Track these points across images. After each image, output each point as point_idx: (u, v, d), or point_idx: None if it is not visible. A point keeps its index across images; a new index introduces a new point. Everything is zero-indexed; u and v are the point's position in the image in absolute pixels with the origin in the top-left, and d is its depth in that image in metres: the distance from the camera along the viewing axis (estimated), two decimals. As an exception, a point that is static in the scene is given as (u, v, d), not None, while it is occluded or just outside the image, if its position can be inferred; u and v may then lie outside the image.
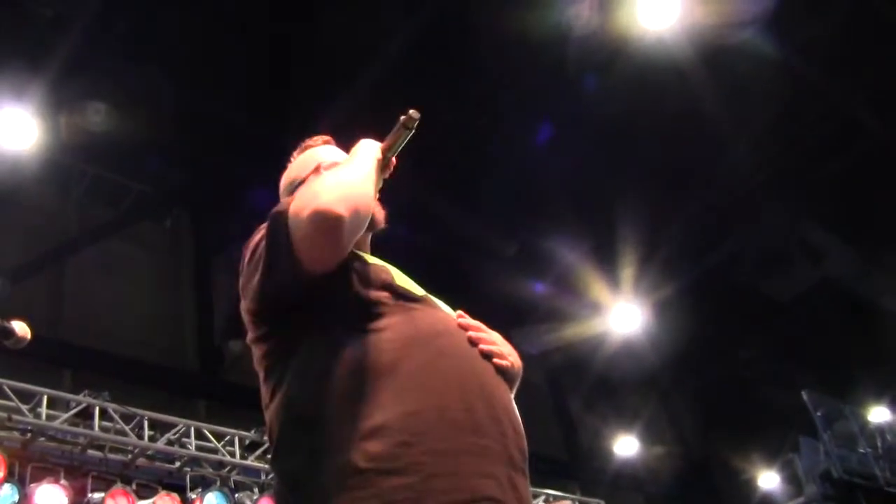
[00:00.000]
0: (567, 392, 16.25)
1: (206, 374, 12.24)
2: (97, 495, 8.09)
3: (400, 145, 2.42)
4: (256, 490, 9.05)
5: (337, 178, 2.20)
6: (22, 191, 11.00)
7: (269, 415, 2.16)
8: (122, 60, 10.42)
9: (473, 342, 2.15)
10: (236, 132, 11.84)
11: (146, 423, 8.69)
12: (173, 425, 8.96)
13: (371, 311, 2.12)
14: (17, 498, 7.26)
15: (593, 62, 11.48)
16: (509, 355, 2.21)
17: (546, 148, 12.46)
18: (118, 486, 8.18)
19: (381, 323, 2.10)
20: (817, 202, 13.74)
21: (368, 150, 2.36)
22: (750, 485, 16.68)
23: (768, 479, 16.44)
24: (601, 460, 15.76)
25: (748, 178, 13.46)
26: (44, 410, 8.11)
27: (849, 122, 13.00)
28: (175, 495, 8.46)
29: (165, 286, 12.87)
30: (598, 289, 13.77)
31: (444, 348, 2.09)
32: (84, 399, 8.46)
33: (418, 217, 12.91)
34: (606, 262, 13.53)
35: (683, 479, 16.47)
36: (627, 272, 13.51)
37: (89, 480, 8.21)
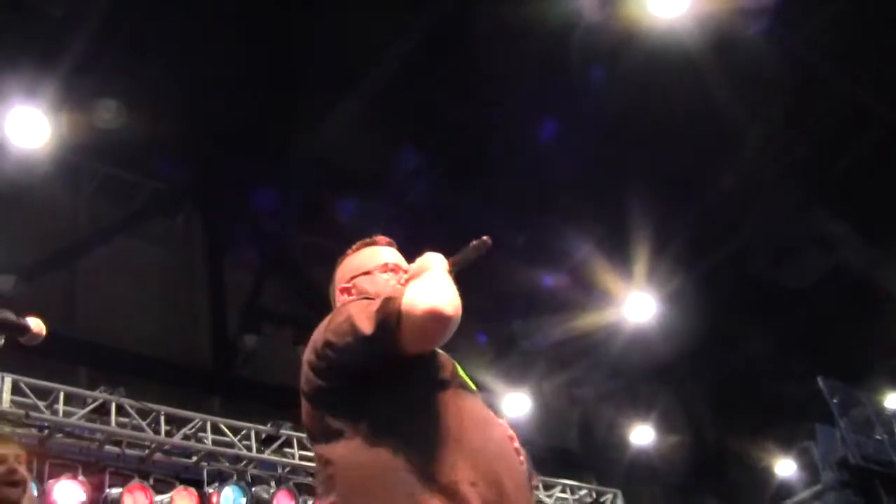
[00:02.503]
0: (581, 383, 16.25)
1: (221, 369, 12.27)
2: (115, 491, 8.13)
3: (465, 265, 2.76)
4: (273, 483, 9.08)
5: (440, 285, 2.53)
6: (34, 189, 11.04)
7: (328, 468, 2.53)
8: (132, 59, 10.43)
9: (510, 437, 2.61)
10: (246, 130, 11.86)
11: (162, 419, 8.73)
12: (189, 420, 8.99)
13: (436, 391, 2.54)
14: (35, 494, 7.30)
15: (602, 53, 11.46)
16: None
17: (556, 139, 12.43)
18: (136, 482, 8.23)
19: (443, 402, 2.52)
20: (829, 191, 13.68)
21: (441, 265, 2.69)
22: (766, 473, 16.65)
23: (785, 467, 16.40)
24: (616, 450, 15.76)
25: (760, 167, 13.42)
26: (61, 407, 8.16)
27: (861, 111, 12.94)
28: (192, 490, 8.50)
29: (178, 283, 12.90)
30: (611, 279, 13.76)
31: (492, 436, 2.54)
32: (100, 395, 8.50)
33: (429, 211, 12.95)
34: (619, 252, 13.51)
35: (699, 468, 16.46)
36: (641, 262, 13.48)
37: (107, 476, 8.26)
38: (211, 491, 8.68)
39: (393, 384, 2.50)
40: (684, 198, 13.39)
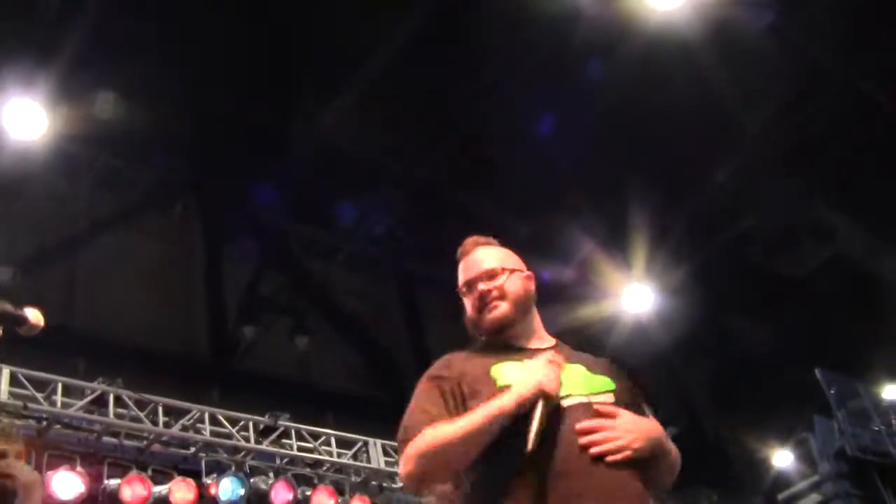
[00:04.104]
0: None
1: (219, 360, 12.27)
2: (113, 482, 8.13)
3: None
4: (272, 474, 9.09)
5: (455, 436, 2.65)
6: (32, 181, 11.03)
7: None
8: (130, 50, 10.41)
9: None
10: (244, 122, 11.84)
11: (160, 410, 8.73)
12: (187, 411, 9.00)
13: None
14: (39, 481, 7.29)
15: (601, 44, 11.43)
16: (618, 437, 2.64)
17: (555, 132, 12.42)
18: (134, 473, 8.23)
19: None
20: (828, 180, 13.68)
21: (508, 402, 2.67)
22: (764, 464, 16.67)
23: (783, 458, 16.42)
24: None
25: (759, 157, 13.41)
26: (59, 398, 8.16)
27: (861, 99, 12.92)
28: (190, 480, 8.50)
29: (176, 274, 12.90)
30: (609, 271, 13.76)
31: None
32: (98, 386, 8.50)
33: (430, 203, 12.95)
34: (618, 243, 13.51)
35: (697, 458, 16.48)
36: (639, 254, 13.48)
37: (105, 467, 8.26)
38: (209, 482, 8.69)
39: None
40: (682, 188, 13.39)
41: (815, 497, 15.50)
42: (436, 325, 13.88)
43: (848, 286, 15.35)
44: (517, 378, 2.71)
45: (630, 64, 11.51)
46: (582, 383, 2.80)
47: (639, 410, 2.87)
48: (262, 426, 9.34)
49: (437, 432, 2.67)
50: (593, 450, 2.60)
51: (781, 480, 16.23)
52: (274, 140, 12.20)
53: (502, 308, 2.95)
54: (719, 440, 16.85)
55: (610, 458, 2.59)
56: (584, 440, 2.62)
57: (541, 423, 2.59)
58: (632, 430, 2.67)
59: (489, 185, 12.72)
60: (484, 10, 10.83)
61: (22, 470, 3.91)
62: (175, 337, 12.30)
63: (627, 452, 2.62)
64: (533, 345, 2.97)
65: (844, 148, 13.34)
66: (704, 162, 13.19)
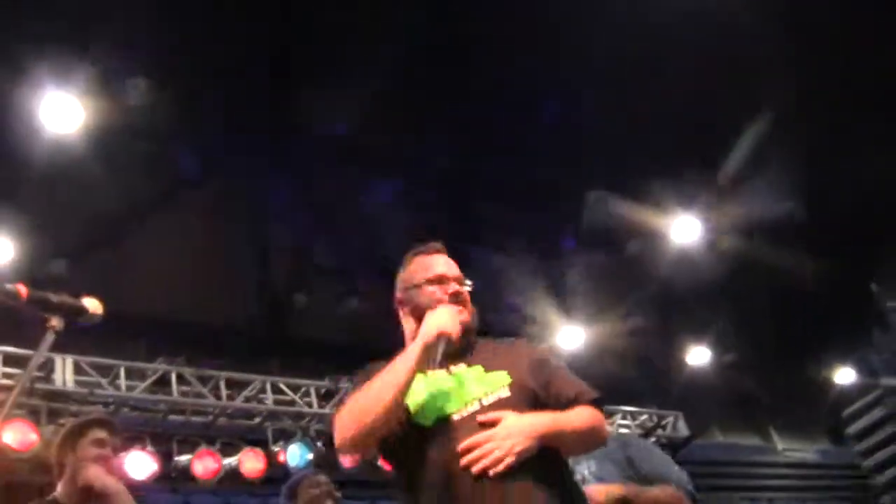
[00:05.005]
0: (633, 310, 16.20)
1: (274, 329, 12.39)
2: (184, 458, 8.30)
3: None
4: (337, 437, 9.19)
5: (355, 402, 2.81)
6: (72, 173, 11.12)
7: None
8: (163, 32, 10.41)
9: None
10: (284, 93, 11.81)
11: (223, 384, 8.87)
12: (249, 383, 9.13)
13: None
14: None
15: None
16: (495, 448, 2.66)
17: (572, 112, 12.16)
18: (203, 447, 8.39)
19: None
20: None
21: (414, 350, 2.80)
22: (826, 382, 16.58)
23: (844, 375, 16.34)
24: (674, 374, 15.75)
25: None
26: (123, 382, 8.31)
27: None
28: (258, 450, 8.65)
29: (222, 249, 12.98)
30: (654, 207, 13.59)
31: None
32: (160, 366, 8.65)
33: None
34: (663, 177, 13.31)
35: (757, 382, 16.43)
36: (688, 185, 13.23)
37: (174, 444, 8.42)
38: (277, 449, 8.83)
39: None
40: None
41: (878, 411, 15.47)
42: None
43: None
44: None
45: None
46: (476, 387, 2.85)
47: (542, 392, 2.90)
48: (323, 390, 9.45)
49: (357, 396, 2.80)
50: (474, 468, 2.62)
51: (844, 397, 16.17)
52: (299, 109, 12.15)
53: (469, 317, 3.04)
54: (779, 362, 16.76)
55: (493, 473, 2.61)
56: (463, 461, 2.64)
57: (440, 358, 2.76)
58: (512, 433, 2.68)
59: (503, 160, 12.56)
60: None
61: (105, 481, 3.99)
62: (228, 310, 12.42)
63: (509, 461, 2.63)
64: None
65: None
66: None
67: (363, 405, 2.73)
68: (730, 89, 11.91)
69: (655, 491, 3.51)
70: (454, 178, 12.85)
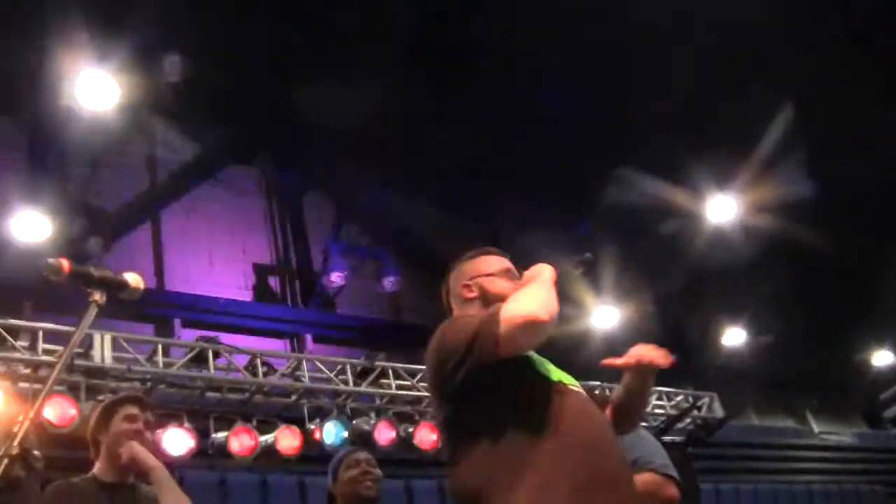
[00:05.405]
0: (668, 290, 16.12)
1: (310, 307, 12.43)
2: (221, 435, 8.37)
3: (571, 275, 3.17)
4: (373, 415, 9.23)
5: (541, 293, 2.86)
6: (109, 151, 11.20)
7: (455, 472, 2.87)
8: (198, 10, 10.41)
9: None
10: (315, 72, 11.78)
11: (259, 362, 8.91)
12: (285, 360, 9.17)
13: (538, 391, 2.87)
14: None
15: None
16: None
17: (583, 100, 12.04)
18: (240, 424, 8.45)
19: (546, 398, 2.84)
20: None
21: (548, 276, 3.00)
22: (863, 364, 16.45)
23: (882, 358, 16.20)
24: (709, 354, 15.67)
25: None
26: (160, 359, 8.37)
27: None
28: (295, 427, 8.70)
29: (259, 227, 13.04)
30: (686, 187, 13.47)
31: (591, 425, 2.88)
32: (197, 344, 8.71)
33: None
34: (700, 154, 13.19)
35: (794, 364, 16.31)
36: (725, 167, 13.12)
37: (211, 421, 8.48)
38: (313, 427, 8.88)
39: (498, 387, 2.81)
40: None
41: (916, 394, 15.34)
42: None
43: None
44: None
45: None
46: (563, 374, 3.10)
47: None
48: (359, 368, 9.47)
49: (531, 290, 2.92)
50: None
51: (881, 380, 16.04)
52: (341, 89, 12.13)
53: None
54: (816, 344, 16.64)
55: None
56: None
57: None
58: None
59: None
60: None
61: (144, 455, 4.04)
62: (263, 288, 12.49)
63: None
64: None
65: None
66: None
67: (550, 294, 2.87)
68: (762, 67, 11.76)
69: (637, 478, 3.53)
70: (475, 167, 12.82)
